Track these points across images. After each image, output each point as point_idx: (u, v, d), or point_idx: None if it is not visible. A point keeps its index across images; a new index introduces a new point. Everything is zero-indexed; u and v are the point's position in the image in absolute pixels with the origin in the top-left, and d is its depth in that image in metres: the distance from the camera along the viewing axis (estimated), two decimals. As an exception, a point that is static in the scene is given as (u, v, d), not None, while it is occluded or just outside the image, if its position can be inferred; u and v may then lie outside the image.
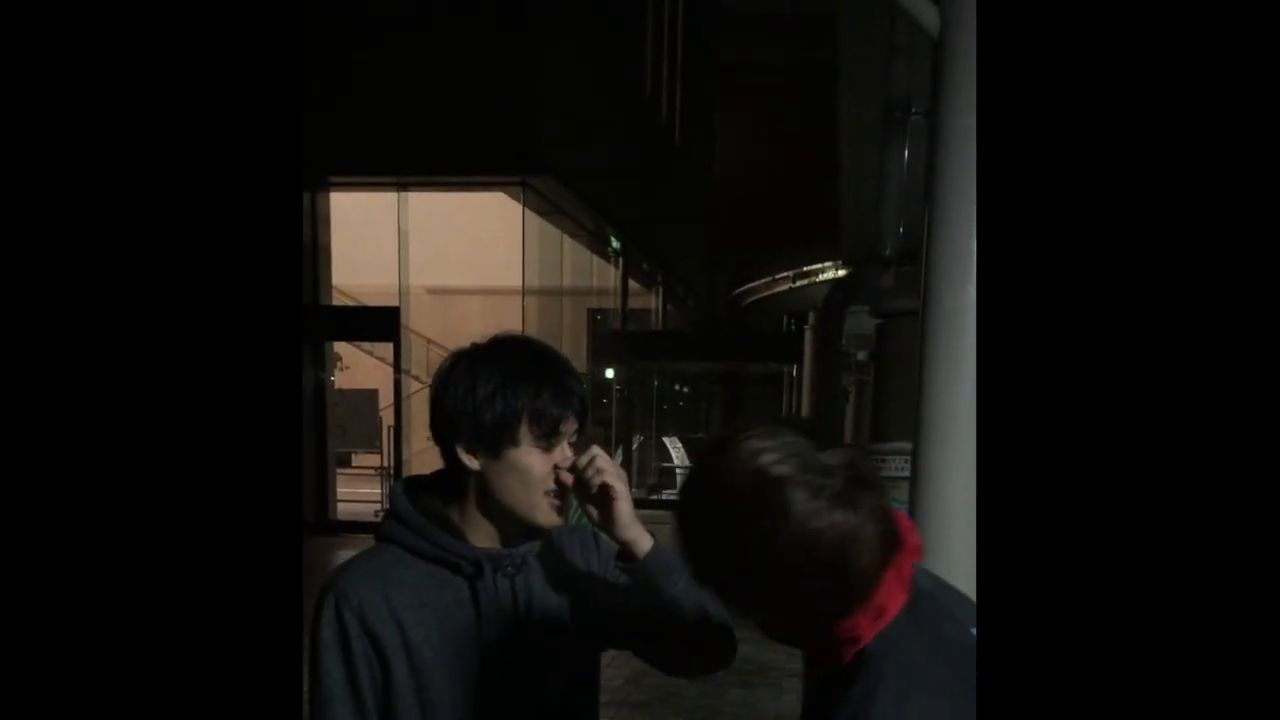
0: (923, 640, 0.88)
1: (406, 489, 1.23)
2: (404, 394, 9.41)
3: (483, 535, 1.20)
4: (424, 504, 1.20)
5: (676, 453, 13.89)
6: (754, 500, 0.84)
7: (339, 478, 10.03)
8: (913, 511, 1.98)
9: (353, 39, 7.74)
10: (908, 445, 3.11)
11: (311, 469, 8.95)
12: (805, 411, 9.08)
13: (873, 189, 3.68)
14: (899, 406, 2.96)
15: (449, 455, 1.18)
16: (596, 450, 1.18)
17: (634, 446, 13.84)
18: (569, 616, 1.22)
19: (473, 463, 1.16)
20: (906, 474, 3.13)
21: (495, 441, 1.14)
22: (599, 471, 1.15)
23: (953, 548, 1.83)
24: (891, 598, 0.89)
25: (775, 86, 21.90)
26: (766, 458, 0.86)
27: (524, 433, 1.14)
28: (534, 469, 1.15)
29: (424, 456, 10.19)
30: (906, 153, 2.94)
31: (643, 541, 1.17)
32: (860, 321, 3.38)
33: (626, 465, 13.05)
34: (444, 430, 1.18)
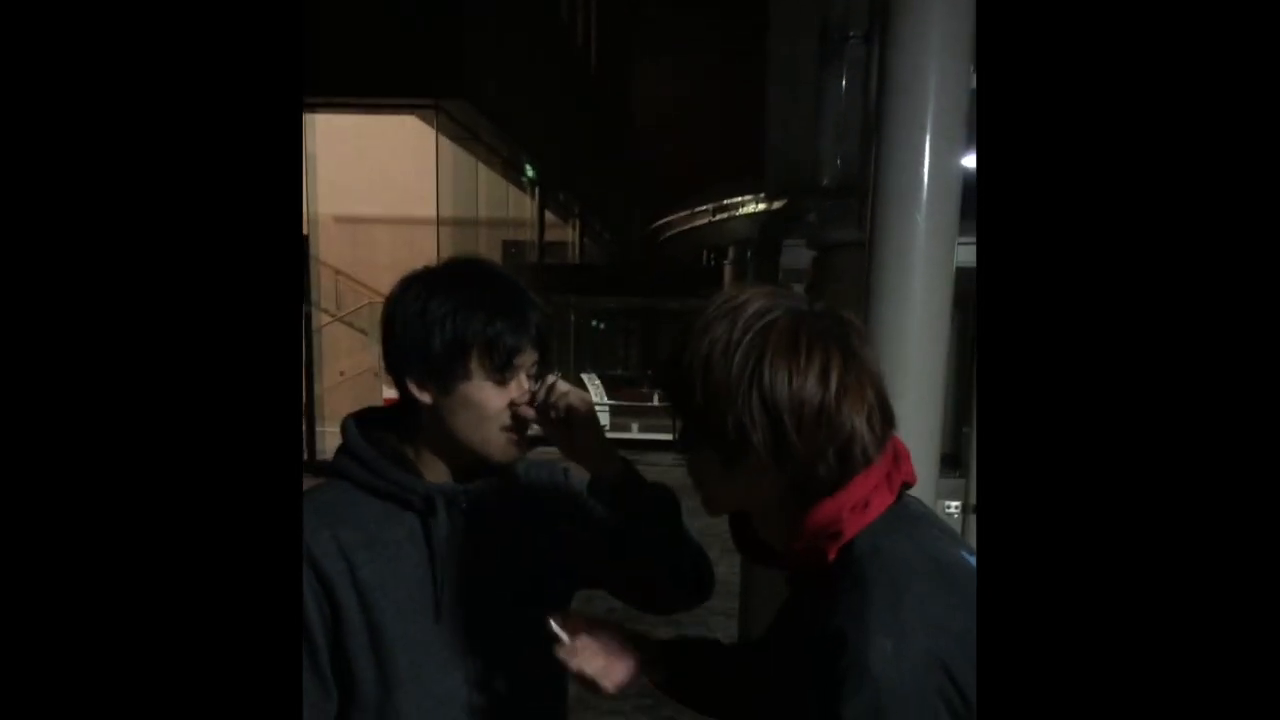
0: (911, 542, 0.84)
1: (360, 423, 1.17)
2: (314, 327, 9.09)
3: (438, 471, 1.15)
4: (377, 438, 1.15)
5: (595, 389, 13.85)
6: (757, 337, 0.82)
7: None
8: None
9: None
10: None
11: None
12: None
13: (802, 119, 3.58)
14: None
15: (401, 387, 1.12)
16: (553, 378, 1.10)
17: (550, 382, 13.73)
18: (532, 554, 1.17)
19: (424, 397, 1.10)
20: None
21: (446, 374, 1.08)
22: (561, 395, 1.08)
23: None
24: (878, 495, 0.85)
25: (696, 15, 21.65)
26: (769, 304, 0.83)
27: (475, 365, 1.08)
28: (487, 404, 1.09)
29: (335, 394, 9.93)
30: (844, 80, 2.83)
31: (614, 464, 1.11)
32: (795, 255, 3.31)
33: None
34: (394, 360, 1.11)
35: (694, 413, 0.85)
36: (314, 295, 9.46)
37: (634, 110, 21.02)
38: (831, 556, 0.84)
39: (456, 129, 10.27)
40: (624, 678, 1.07)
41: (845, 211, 2.73)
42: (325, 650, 1.10)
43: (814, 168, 2.92)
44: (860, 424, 0.82)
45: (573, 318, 15.62)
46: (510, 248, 14.06)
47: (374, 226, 12.66)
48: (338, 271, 12.13)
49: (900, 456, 0.88)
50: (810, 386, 0.81)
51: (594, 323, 18.19)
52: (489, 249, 13.05)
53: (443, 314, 1.07)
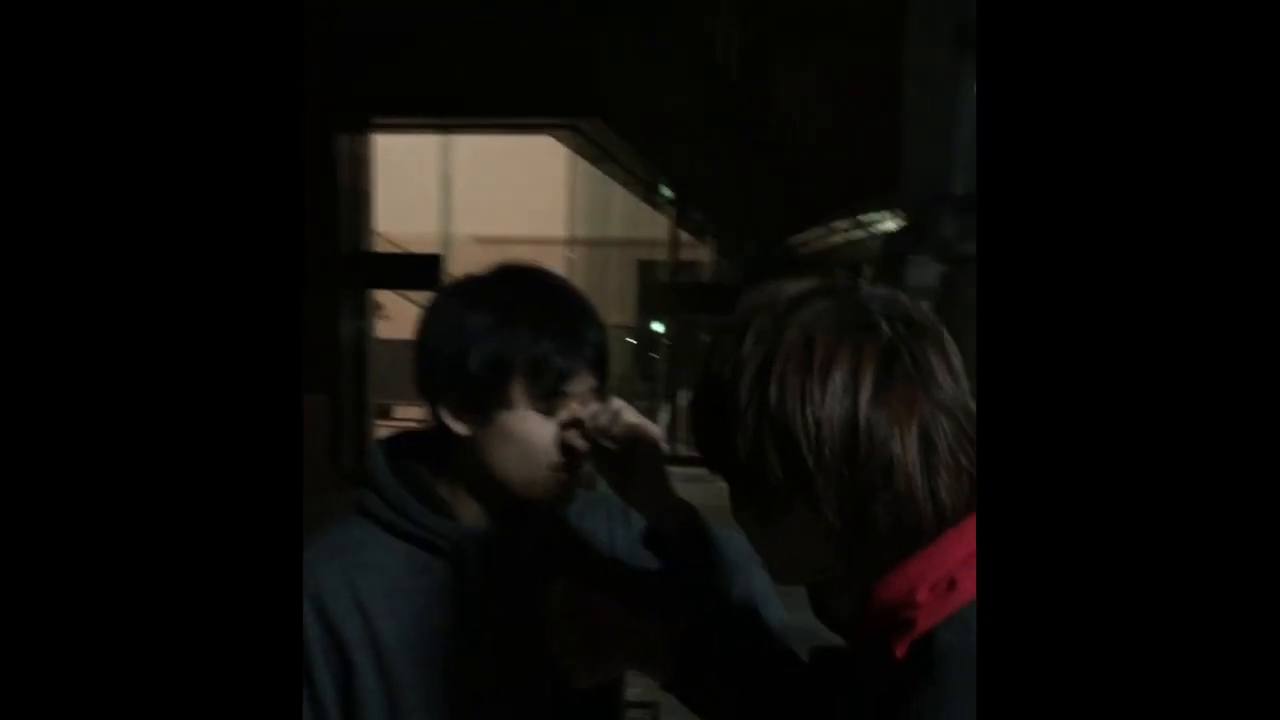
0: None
1: (389, 451, 1.01)
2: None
3: (474, 512, 0.99)
4: (408, 470, 0.99)
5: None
6: (766, 344, 0.65)
7: (380, 430, 9.94)
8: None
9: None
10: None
11: (351, 420, 8.88)
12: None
13: (939, 125, 3.37)
14: (966, 361, 2.67)
15: (435, 415, 0.96)
16: (617, 403, 0.92)
17: (679, 402, 13.70)
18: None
19: (459, 427, 0.94)
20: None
21: (484, 401, 0.92)
22: (623, 424, 0.91)
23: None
24: (966, 574, 0.63)
25: (836, 32, 21.34)
26: (796, 299, 0.66)
27: (519, 391, 0.92)
28: (533, 437, 0.93)
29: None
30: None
31: (678, 513, 0.93)
32: (923, 272, 3.09)
33: (673, 421, 12.91)
34: (426, 383, 0.95)
35: (714, 458, 0.68)
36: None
37: (774, 127, 20.85)
38: (900, 654, 0.64)
39: (591, 148, 10.37)
40: (609, 670, 0.88)
41: (973, 225, 2.53)
42: (336, 715, 0.95)
43: (946, 179, 2.71)
44: (911, 452, 0.62)
45: (705, 337, 15.54)
46: (646, 267, 14.11)
47: (510, 246, 12.93)
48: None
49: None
50: (829, 400, 0.62)
51: (728, 342, 18.02)
52: (623, 268, 13.11)
53: (483, 329, 0.91)
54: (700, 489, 0.98)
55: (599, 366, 0.95)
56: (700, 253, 16.46)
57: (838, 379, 0.63)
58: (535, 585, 0.95)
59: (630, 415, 0.92)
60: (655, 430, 0.94)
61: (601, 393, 0.96)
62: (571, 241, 10.35)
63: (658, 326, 13.26)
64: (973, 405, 0.65)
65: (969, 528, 0.64)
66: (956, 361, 0.67)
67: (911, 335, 0.65)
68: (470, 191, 10.26)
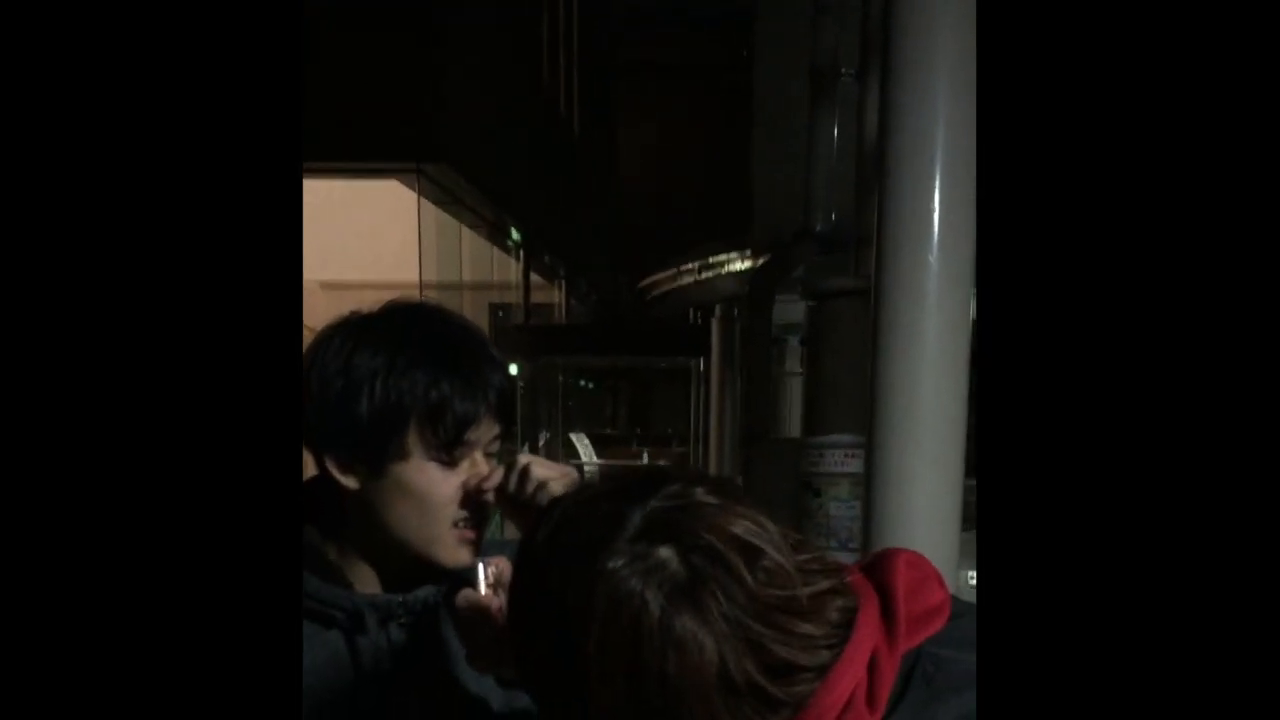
0: None
1: None
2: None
3: (368, 576, 0.91)
4: None
5: (584, 449, 13.71)
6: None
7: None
8: (868, 510, 1.77)
9: (231, 15, 7.25)
10: (846, 437, 2.96)
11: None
12: (715, 406, 8.99)
13: (790, 166, 3.52)
14: (833, 395, 2.79)
15: (321, 467, 0.87)
16: (525, 459, 0.86)
17: (540, 443, 13.62)
18: (490, 684, 0.90)
19: (349, 481, 0.87)
20: (847, 469, 2.97)
21: (375, 451, 0.84)
22: (536, 485, 0.83)
23: (918, 545, 1.61)
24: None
25: (677, 79, 21.95)
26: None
27: (415, 440, 0.85)
28: (431, 491, 0.86)
29: (318, 460, 9.72)
30: (836, 121, 2.75)
31: None
32: (783, 309, 3.21)
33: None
34: (308, 432, 0.86)
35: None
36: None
37: (618, 170, 21.23)
38: None
39: (439, 192, 10.28)
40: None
41: (839, 259, 2.65)
42: None
43: (805, 215, 2.84)
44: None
45: (560, 378, 15.52)
46: (497, 310, 14.02)
47: (360, 292, 12.56)
48: (322, 338, 11.98)
49: (895, 602, 0.66)
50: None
51: (582, 383, 18.06)
52: (475, 312, 12.97)
53: (373, 372, 0.84)
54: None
55: (503, 411, 0.89)
56: (552, 295, 16.48)
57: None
58: (442, 663, 0.88)
59: (540, 469, 0.86)
60: (573, 476, 0.88)
61: (506, 438, 0.91)
62: (421, 286, 10.17)
63: (512, 369, 13.15)
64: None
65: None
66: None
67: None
68: (316, 236, 9.97)
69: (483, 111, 10.32)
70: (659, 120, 22.04)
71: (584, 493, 0.67)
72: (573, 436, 14.04)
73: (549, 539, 0.64)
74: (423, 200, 10.00)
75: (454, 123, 9.15)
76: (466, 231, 11.86)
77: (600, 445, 13.97)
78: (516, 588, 0.68)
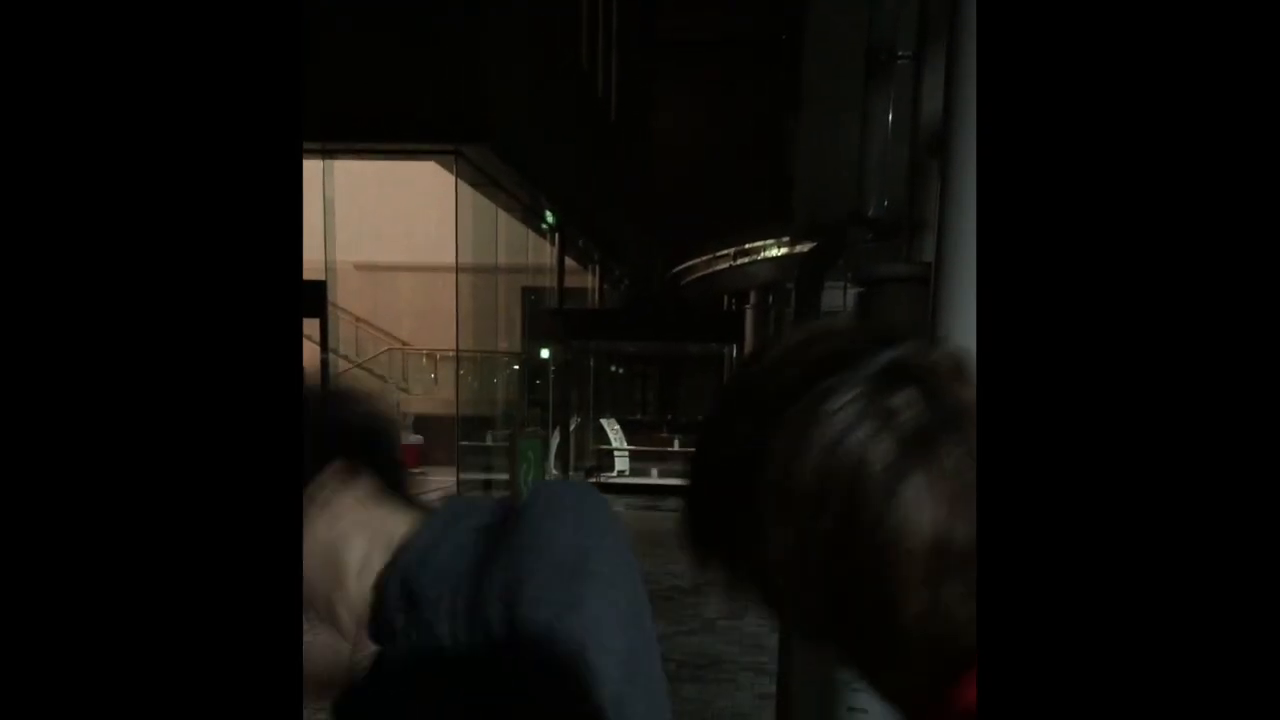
0: None
1: None
2: (330, 374, 9.03)
3: None
4: None
5: (614, 435, 13.68)
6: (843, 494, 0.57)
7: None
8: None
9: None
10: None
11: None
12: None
13: (835, 152, 3.46)
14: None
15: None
16: None
17: (571, 428, 13.62)
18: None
19: None
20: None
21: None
22: None
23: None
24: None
25: (715, 62, 21.86)
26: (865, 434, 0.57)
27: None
28: None
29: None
30: (891, 105, 2.69)
31: None
32: (832, 295, 3.16)
33: (564, 447, 12.82)
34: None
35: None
36: (332, 341, 9.38)
37: (655, 155, 21.13)
38: None
39: (476, 175, 10.27)
40: None
41: (883, 246, 2.59)
42: None
43: (860, 199, 2.77)
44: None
45: (592, 363, 15.53)
46: (530, 294, 14.04)
47: (395, 274, 12.64)
48: (357, 319, 12.09)
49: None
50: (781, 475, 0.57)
51: (613, 368, 18.09)
52: (508, 295, 13.01)
53: None
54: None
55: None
56: (585, 279, 16.49)
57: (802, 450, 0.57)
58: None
59: None
60: None
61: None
62: (457, 269, 10.20)
63: (544, 353, 13.18)
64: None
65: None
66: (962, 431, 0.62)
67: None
68: (353, 218, 10.01)
69: (522, 94, 10.30)
70: (696, 98, 21.95)
71: (816, 327, 0.65)
72: (603, 421, 14.04)
73: (777, 362, 0.60)
74: (460, 182, 10.03)
75: (493, 105, 9.13)
76: (502, 215, 11.89)
77: (630, 430, 13.95)
78: (719, 410, 0.62)
